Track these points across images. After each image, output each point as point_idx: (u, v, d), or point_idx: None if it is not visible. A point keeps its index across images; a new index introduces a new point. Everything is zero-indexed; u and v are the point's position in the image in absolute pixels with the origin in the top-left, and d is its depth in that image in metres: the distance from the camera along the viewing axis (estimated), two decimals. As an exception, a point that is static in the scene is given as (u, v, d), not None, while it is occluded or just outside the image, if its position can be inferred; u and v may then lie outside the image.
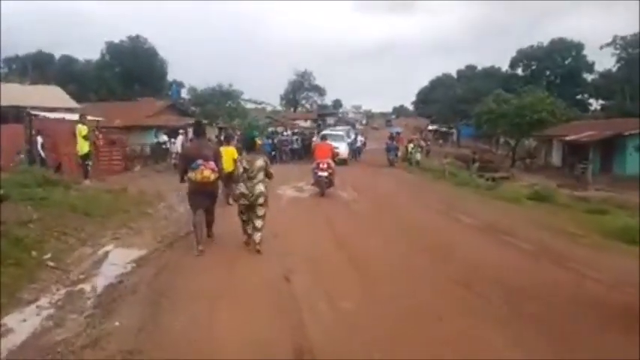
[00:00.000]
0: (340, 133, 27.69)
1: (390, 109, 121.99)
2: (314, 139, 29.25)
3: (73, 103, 22.85)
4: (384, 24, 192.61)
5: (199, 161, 6.67)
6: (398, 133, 32.80)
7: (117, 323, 4.28)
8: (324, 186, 13.01)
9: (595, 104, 58.26)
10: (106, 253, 6.79)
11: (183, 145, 18.71)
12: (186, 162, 6.92)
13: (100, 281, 5.57)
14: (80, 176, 12.65)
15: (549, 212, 11.93)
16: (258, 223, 6.91)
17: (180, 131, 21.04)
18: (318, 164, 13.07)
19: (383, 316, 4.53)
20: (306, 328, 4.20)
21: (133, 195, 11.53)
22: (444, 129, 63.55)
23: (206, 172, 6.68)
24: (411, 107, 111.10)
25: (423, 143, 28.97)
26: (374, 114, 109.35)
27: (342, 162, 22.13)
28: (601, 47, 51.06)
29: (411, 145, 26.24)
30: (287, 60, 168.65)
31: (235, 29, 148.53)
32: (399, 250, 7.20)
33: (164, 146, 22.01)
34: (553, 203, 13.95)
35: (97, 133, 18.04)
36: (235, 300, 4.95)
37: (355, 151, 27.65)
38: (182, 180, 7.09)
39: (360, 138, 31.26)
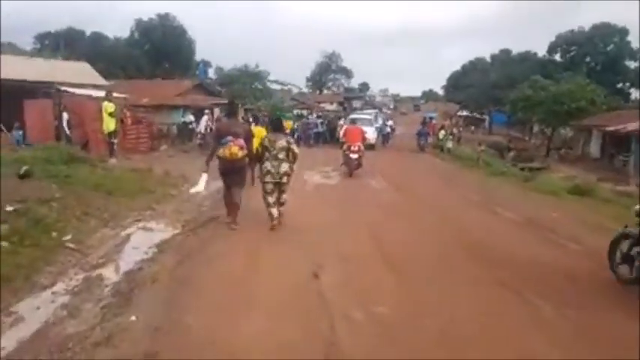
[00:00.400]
0: (368, 117, 26.95)
1: (418, 94, 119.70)
2: (340, 122, 28.64)
3: (101, 80, 22.77)
4: (415, 6, 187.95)
5: (229, 137, 6.65)
6: (431, 119, 32.03)
7: (133, 317, 3.96)
8: (352, 167, 13.67)
9: (635, 93, 55.59)
10: (128, 236, 6.53)
11: (206, 126, 18.50)
12: (217, 140, 6.89)
13: (120, 267, 5.29)
14: (106, 154, 12.52)
15: (591, 208, 11.22)
16: (283, 197, 7.21)
17: (206, 111, 20.81)
18: (350, 147, 13.77)
19: (423, 324, 4.09)
20: (337, 337, 3.78)
21: (158, 175, 11.31)
22: (474, 115, 61.74)
23: (234, 148, 6.63)
24: (440, 92, 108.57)
25: (455, 130, 28.00)
26: (402, 98, 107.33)
27: (370, 147, 21.56)
28: (647, 32, 48.37)
29: (443, 132, 25.44)
30: (314, 41, 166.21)
31: (263, 9, 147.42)
32: (435, 247, 6.68)
33: (190, 126, 21.82)
34: (594, 198, 13.20)
35: (125, 111, 18.01)
36: (260, 302, 4.47)
37: (384, 137, 26.90)
38: (209, 160, 6.94)
39: (389, 123, 30.30)
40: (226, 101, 27.15)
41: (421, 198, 11.08)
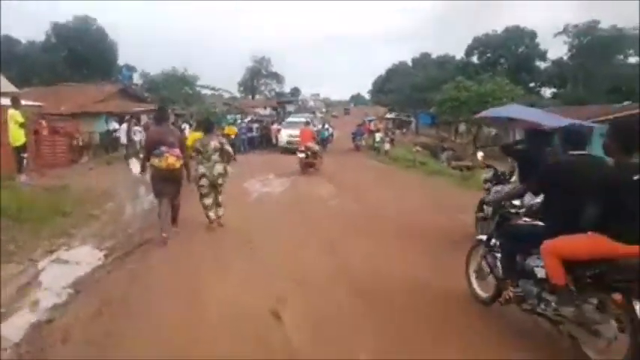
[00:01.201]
0: (305, 120, 26.38)
1: (347, 98, 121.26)
2: (273, 126, 27.95)
3: (11, 87, 20.42)
4: (340, 12, 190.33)
5: (163, 148, 6.40)
6: (370, 121, 32.60)
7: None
8: (304, 166, 14.77)
9: (546, 92, 59.13)
10: (37, 274, 5.41)
11: (129, 134, 17.06)
12: (149, 150, 6.67)
13: (24, 319, 4.23)
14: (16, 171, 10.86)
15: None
16: (220, 198, 7.38)
17: (126, 117, 19.12)
18: (300, 148, 15.27)
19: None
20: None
21: (76, 193, 9.97)
22: (401, 117, 63.06)
23: (171, 159, 6.42)
24: (367, 96, 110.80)
25: (390, 134, 28.14)
26: (332, 102, 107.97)
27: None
28: (554, 35, 51.98)
29: (380, 135, 25.33)
30: (243, 47, 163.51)
31: (190, 13, 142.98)
32: (409, 269, 5.70)
33: (115, 134, 20.09)
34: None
35: (40, 120, 16.14)
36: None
37: (324, 141, 25.96)
38: (143, 169, 6.99)
39: (326, 127, 29.37)
40: (153, 107, 25.59)
41: (374, 204, 10.38)
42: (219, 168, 7.17)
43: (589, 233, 3.30)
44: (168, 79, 37.76)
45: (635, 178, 3.09)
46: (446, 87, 39.43)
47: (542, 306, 3.56)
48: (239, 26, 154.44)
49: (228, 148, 7.45)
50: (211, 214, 7.28)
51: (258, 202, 10.60)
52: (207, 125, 8.02)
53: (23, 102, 15.50)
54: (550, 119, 7.79)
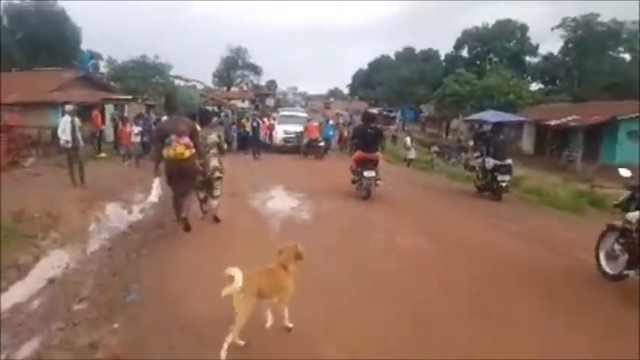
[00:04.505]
0: (302, 114, 22.98)
1: (324, 92, 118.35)
2: (263, 121, 24.00)
3: None
4: (318, 4, 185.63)
5: (172, 136, 6.08)
6: (351, 115, 30.21)
7: None
8: (306, 153, 18.00)
9: (535, 88, 57.05)
10: None
11: (73, 132, 10.68)
12: (159, 140, 6.28)
13: None
14: None
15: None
16: (216, 192, 7.10)
17: (68, 108, 11.25)
18: (311, 138, 18.18)
19: None
20: None
21: (3, 218, 6.41)
22: (383, 112, 60.24)
23: (179, 148, 6.07)
24: (346, 90, 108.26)
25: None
26: (310, 96, 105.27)
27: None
28: (552, 29, 49.70)
29: (409, 139, 21.23)
30: (217, 38, 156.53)
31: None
32: None
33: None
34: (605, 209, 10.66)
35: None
36: None
37: (327, 142, 20.31)
38: (156, 169, 6.57)
39: (331, 122, 23.73)
40: (119, 97, 22.21)
41: (433, 231, 7.26)
42: (214, 162, 6.99)
43: (358, 151, 9.76)
44: (138, 67, 33.85)
45: (369, 130, 9.85)
46: (446, 80, 36.82)
47: (357, 180, 9.77)
48: (213, 15, 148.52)
49: (224, 144, 7.40)
50: (204, 206, 7.22)
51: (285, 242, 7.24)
52: (204, 117, 7.40)
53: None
54: (502, 117, 18.24)
